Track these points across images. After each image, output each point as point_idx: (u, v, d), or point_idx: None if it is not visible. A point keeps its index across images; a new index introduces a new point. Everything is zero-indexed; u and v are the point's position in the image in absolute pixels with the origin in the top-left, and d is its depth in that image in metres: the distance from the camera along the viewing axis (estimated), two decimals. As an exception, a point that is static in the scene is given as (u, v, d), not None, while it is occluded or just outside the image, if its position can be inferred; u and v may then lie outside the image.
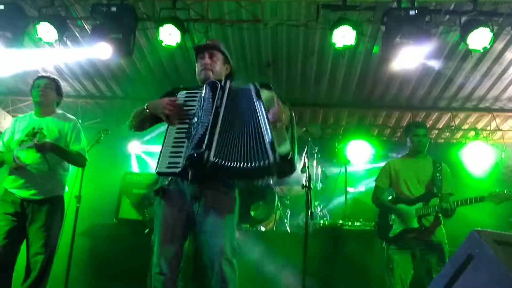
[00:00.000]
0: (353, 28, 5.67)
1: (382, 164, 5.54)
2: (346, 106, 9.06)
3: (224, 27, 6.65)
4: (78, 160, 4.59)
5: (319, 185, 7.11)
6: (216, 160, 2.69)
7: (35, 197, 4.32)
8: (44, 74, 4.81)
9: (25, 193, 4.31)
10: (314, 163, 7.06)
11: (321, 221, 6.58)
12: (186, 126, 2.95)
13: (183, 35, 5.91)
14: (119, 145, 9.05)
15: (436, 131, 9.71)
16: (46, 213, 4.32)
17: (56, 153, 4.40)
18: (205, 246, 2.98)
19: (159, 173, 2.91)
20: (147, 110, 3.12)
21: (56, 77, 4.79)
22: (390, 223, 5.02)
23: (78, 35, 6.89)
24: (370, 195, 5.39)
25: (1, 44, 6.03)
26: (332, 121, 9.62)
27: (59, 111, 4.69)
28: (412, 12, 5.54)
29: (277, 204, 6.61)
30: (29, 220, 4.30)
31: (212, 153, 2.70)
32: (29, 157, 4.32)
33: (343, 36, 5.69)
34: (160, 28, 5.83)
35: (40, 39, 5.98)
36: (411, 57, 5.92)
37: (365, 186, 8.15)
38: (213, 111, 2.86)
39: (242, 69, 7.78)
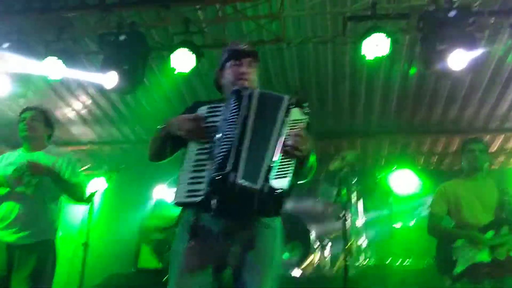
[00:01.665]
0: (387, 36, 5.04)
1: (431, 197, 4.78)
2: (386, 133, 8.34)
3: (245, 50, 6.13)
4: (77, 192, 4.07)
5: (360, 220, 6.37)
6: (246, 184, 2.28)
7: (24, 241, 3.79)
8: (30, 106, 4.35)
9: (12, 237, 3.79)
10: (354, 195, 6.35)
11: (365, 261, 5.81)
12: (209, 145, 2.44)
13: (199, 59, 5.42)
14: (140, 190, 8.59)
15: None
16: (35, 260, 3.77)
17: (52, 178, 3.90)
18: None
19: (177, 204, 2.44)
20: (164, 132, 2.60)
21: (45, 108, 4.34)
22: (454, 258, 4.19)
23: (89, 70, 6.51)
24: (420, 230, 4.61)
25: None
26: (371, 150, 8.90)
27: (50, 145, 4.24)
28: (452, 14, 4.93)
29: (313, 244, 5.89)
30: (15, 268, 3.75)
31: (239, 174, 2.29)
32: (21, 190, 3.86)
33: (376, 45, 5.05)
34: (172, 55, 5.37)
35: (46, 77, 5.63)
36: (455, 66, 5.20)
37: (414, 219, 7.32)
38: (240, 122, 2.38)
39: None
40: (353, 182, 6.43)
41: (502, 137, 8.30)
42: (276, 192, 2.32)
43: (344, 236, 4.27)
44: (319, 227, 6.37)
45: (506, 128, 8.03)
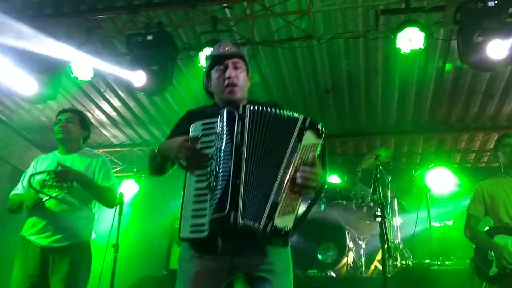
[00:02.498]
0: (421, 30, 4.85)
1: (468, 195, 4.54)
2: (421, 130, 8.09)
3: (274, 48, 6.01)
4: (107, 197, 4.00)
5: (397, 220, 6.17)
6: (248, 224, 2.11)
7: (56, 244, 3.74)
8: (66, 108, 4.32)
9: (45, 241, 3.75)
10: (389, 194, 6.15)
11: (404, 262, 5.60)
12: (207, 171, 2.26)
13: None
14: (170, 191, 8.54)
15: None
16: (69, 263, 3.71)
17: (81, 183, 3.85)
18: None
19: (183, 240, 2.28)
20: (159, 157, 2.48)
21: (80, 110, 4.32)
22: (490, 258, 3.97)
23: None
24: (460, 230, 4.41)
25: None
26: (406, 149, 8.65)
27: (85, 148, 4.20)
28: (491, 3, 4.71)
29: (349, 245, 5.71)
30: (51, 270, 3.71)
31: (239, 213, 2.11)
32: (51, 191, 3.81)
33: (410, 40, 4.87)
34: (200, 53, 5.28)
35: (76, 78, 5.61)
36: (494, 58, 4.96)
37: (453, 219, 7.06)
38: (234, 153, 2.18)
39: (298, 96, 7.11)
40: (388, 181, 6.22)
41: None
42: (281, 231, 2.13)
43: (381, 236, 4.07)
44: (353, 227, 6.17)
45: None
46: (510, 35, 4.74)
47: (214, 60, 2.59)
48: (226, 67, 2.52)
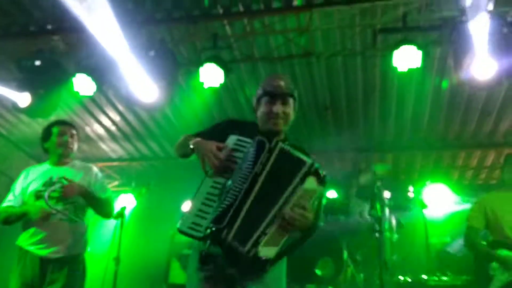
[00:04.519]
0: (418, 48, 4.94)
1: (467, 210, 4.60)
2: (418, 147, 8.16)
3: (273, 64, 6.10)
4: (107, 208, 4.07)
5: (394, 236, 6.20)
6: (234, 244, 2.34)
7: (56, 255, 3.77)
8: (65, 120, 4.36)
9: (44, 252, 3.77)
10: (387, 211, 6.19)
11: (401, 277, 5.63)
12: (223, 181, 2.47)
13: (227, 74, 5.40)
14: (170, 205, 8.59)
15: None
16: (67, 274, 3.75)
17: (85, 197, 3.89)
18: None
19: (179, 230, 2.47)
20: (190, 151, 2.66)
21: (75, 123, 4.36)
22: (491, 273, 4.01)
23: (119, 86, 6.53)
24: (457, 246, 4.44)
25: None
26: (403, 164, 8.71)
27: (75, 160, 4.21)
28: (485, 24, 4.79)
29: (347, 260, 5.74)
30: (48, 281, 3.73)
31: (232, 232, 2.35)
32: (53, 206, 3.80)
33: (407, 58, 4.97)
34: (200, 68, 5.36)
35: (77, 93, 5.69)
36: (489, 77, 5.06)
37: (450, 235, 7.10)
38: (251, 178, 2.40)
39: (298, 112, 7.16)
40: (385, 197, 6.27)
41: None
42: (261, 259, 2.31)
43: (378, 252, 4.12)
44: (351, 243, 6.21)
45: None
46: (504, 54, 4.85)
47: (266, 92, 2.72)
48: (275, 102, 2.67)
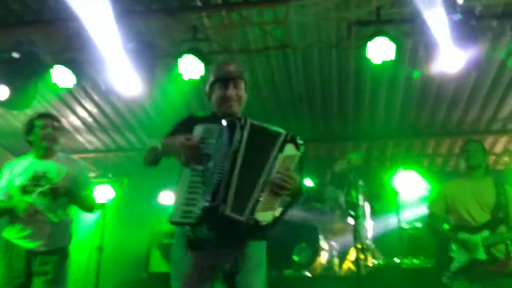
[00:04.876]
0: (390, 40, 5.12)
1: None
2: (390, 135, 8.43)
3: (251, 56, 6.22)
4: (88, 204, 4.15)
5: (368, 222, 6.43)
6: (233, 216, 2.48)
7: (43, 248, 3.85)
8: (47, 113, 4.40)
9: (31, 244, 3.84)
10: (361, 197, 6.40)
11: (375, 261, 5.85)
12: (202, 168, 2.60)
13: (206, 66, 5.49)
14: (150, 196, 8.67)
15: (494, 157, 8.88)
16: (54, 265, 3.84)
17: (68, 197, 3.97)
18: None
19: (173, 223, 2.60)
20: (161, 151, 2.74)
21: (58, 117, 4.38)
22: (451, 254, 4.27)
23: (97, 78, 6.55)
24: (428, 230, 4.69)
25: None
26: (376, 153, 8.97)
27: (59, 153, 4.22)
28: (454, 17, 5.00)
29: (322, 245, 5.94)
30: (35, 273, 3.82)
31: (228, 206, 2.48)
32: (40, 202, 3.87)
33: (380, 50, 5.14)
34: (179, 60, 5.43)
35: (55, 84, 5.70)
36: (457, 69, 5.29)
37: (421, 221, 7.36)
38: (231, 155, 2.56)
39: (273, 102, 7.33)
40: (359, 184, 6.48)
41: (505, 138, 8.38)
42: (260, 224, 2.50)
43: (353, 237, 4.30)
44: (327, 229, 6.42)
45: (509, 129, 8.13)
46: (472, 47, 5.07)
47: (218, 77, 2.89)
48: (227, 86, 2.84)
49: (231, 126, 2.61)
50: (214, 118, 2.78)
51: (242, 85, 2.91)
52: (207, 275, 2.67)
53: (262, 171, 2.53)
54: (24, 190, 3.89)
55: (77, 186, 4.04)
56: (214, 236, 2.60)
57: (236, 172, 2.52)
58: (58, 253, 3.92)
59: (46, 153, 4.10)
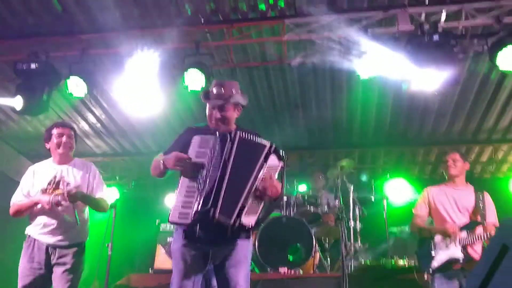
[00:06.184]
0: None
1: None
2: (381, 144, 8.86)
3: (250, 69, 6.67)
4: (102, 206, 4.57)
5: (358, 225, 6.85)
6: (222, 219, 2.90)
7: (62, 243, 4.29)
8: (64, 122, 4.84)
9: (51, 239, 4.28)
10: (351, 202, 6.83)
11: (363, 261, 6.28)
12: (198, 176, 3.04)
13: (208, 78, 5.93)
14: (155, 197, 9.08)
15: (480, 166, 9.31)
16: (72, 257, 4.28)
17: (84, 201, 4.39)
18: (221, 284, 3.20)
19: (170, 222, 3.05)
20: (164, 165, 3.18)
21: (73, 125, 4.82)
22: (432, 253, 4.73)
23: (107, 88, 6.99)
24: (414, 233, 5.16)
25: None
26: (368, 161, 9.39)
27: (75, 158, 4.66)
28: (435, 37, 5.43)
29: (315, 246, 6.34)
30: (54, 264, 4.25)
31: (218, 210, 2.88)
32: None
33: (369, 65, 5.62)
34: (185, 73, 5.89)
35: (71, 94, 6.14)
36: (440, 85, 5.75)
37: (408, 225, 7.75)
38: (221, 165, 2.97)
39: (271, 111, 7.76)
40: (350, 189, 6.88)
41: (490, 148, 8.80)
42: (245, 227, 2.94)
43: (344, 239, 4.63)
44: (320, 231, 6.79)
45: (494, 139, 8.55)
46: (453, 64, 5.51)
47: (205, 97, 3.36)
48: (214, 108, 3.29)
49: (222, 139, 3.05)
50: (208, 130, 3.26)
51: (230, 107, 3.30)
52: (201, 264, 3.11)
53: (248, 179, 2.96)
54: (44, 192, 4.29)
55: (92, 189, 4.47)
56: (205, 235, 3.03)
57: (225, 180, 2.94)
58: (76, 247, 4.34)
59: (63, 159, 4.52)
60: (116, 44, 6.23)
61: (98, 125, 8.54)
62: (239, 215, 2.91)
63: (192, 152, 3.09)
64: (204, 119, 3.44)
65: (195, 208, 2.94)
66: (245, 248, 3.22)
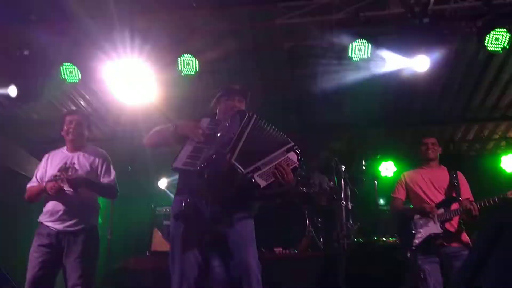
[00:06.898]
0: (368, 42, 5.68)
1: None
2: (371, 125, 8.95)
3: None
4: (110, 192, 4.68)
5: (350, 204, 6.98)
6: (237, 164, 2.90)
7: (71, 228, 4.37)
8: (75, 110, 4.88)
9: (60, 225, 4.37)
10: (342, 182, 6.95)
11: (355, 239, 6.44)
12: (206, 142, 3.11)
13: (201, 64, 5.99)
14: (150, 181, 9.16)
15: (467, 144, 9.50)
16: (81, 243, 4.36)
17: (88, 187, 4.47)
18: (231, 264, 3.12)
19: (174, 168, 3.02)
20: (176, 130, 3.25)
21: (87, 113, 4.87)
22: (413, 231, 4.96)
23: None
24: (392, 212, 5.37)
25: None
26: (358, 141, 9.49)
27: (88, 144, 4.77)
28: (426, 20, 5.55)
29: (308, 226, 6.48)
30: (65, 252, 4.34)
31: (234, 156, 2.90)
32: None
33: (359, 50, 5.71)
34: (179, 58, 5.94)
35: (67, 79, 6.16)
36: (429, 66, 5.89)
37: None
38: (239, 129, 3.02)
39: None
40: (342, 169, 6.98)
41: (476, 126, 8.98)
42: (254, 184, 2.91)
43: (336, 219, 4.73)
44: (313, 211, 6.91)
45: (479, 118, 8.73)
46: (442, 45, 5.66)
47: (225, 92, 3.52)
48: (233, 100, 3.46)
49: (241, 114, 3.14)
50: (217, 119, 3.38)
51: (244, 102, 3.50)
52: (197, 241, 3.11)
53: (269, 153, 3.02)
54: (55, 179, 4.36)
55: (99, 175, 4.55)
56: (209, 208, 3.06)
57: (243, 138, 3.00)
58: (86, 231, 4.44)
59: (74, 146, 4.63)
60: (110, 29, 6.22)
61: (89, 109, 8.50)
62: (253, 171, 2.91)
63: (204, 124, 3.23)
64: (195, 106, 3.61)
65: (206, 155, 2.96)
66: (250, 227, 3.23)
